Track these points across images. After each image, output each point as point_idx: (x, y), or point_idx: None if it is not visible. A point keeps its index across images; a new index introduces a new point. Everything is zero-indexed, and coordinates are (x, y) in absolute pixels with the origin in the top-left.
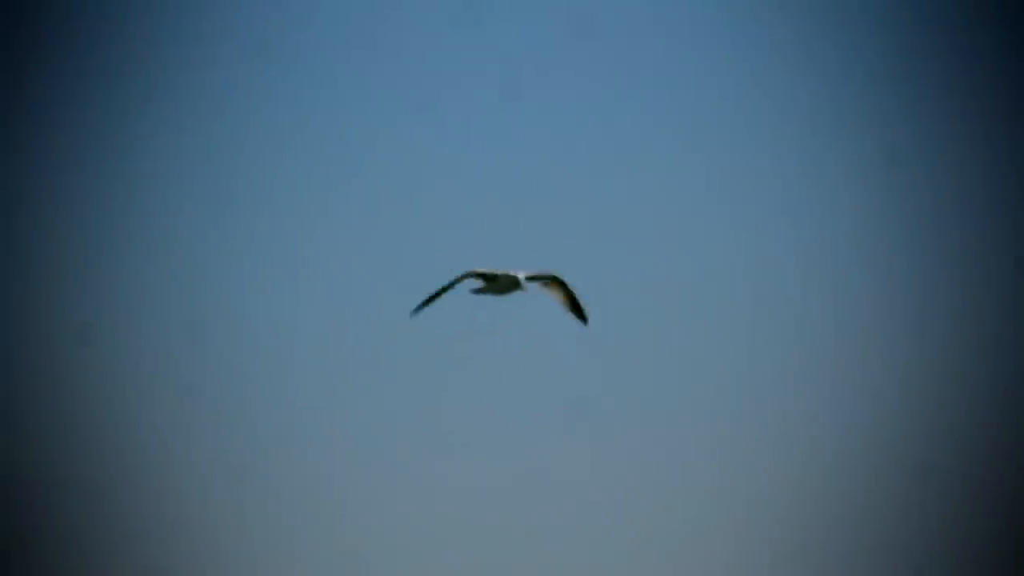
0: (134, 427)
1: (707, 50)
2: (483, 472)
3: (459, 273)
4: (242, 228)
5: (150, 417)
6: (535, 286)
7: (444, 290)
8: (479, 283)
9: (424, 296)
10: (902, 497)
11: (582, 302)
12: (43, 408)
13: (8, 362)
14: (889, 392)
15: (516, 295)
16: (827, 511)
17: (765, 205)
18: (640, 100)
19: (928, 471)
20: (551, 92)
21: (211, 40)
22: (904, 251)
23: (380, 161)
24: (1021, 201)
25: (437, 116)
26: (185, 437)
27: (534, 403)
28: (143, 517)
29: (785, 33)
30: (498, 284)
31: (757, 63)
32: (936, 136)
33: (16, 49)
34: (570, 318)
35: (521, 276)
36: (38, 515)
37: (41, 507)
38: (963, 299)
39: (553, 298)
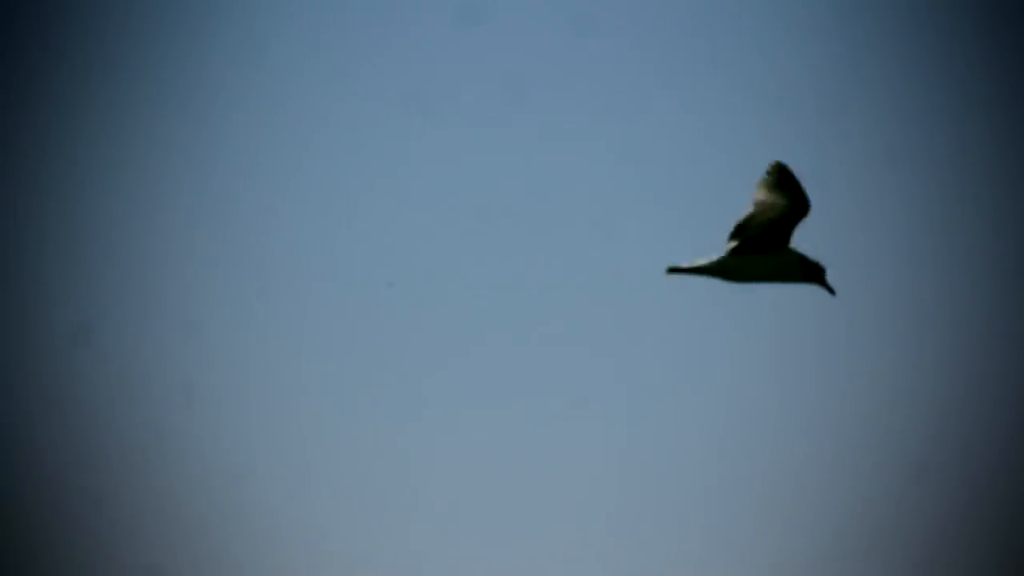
0: (131, 429)
1: (707, 49)
2: (486, 480)
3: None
4: (241, 228)
5: (147, 419)
6: None
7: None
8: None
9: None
10: (900, 497)
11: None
12: (39, 410)
13: (3, 364)
14: (889, 392)
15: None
16: (827, 510)
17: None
18: (641, 99)
19: (927, 471)
20: (553, 91)
21: (211, 39)
22: (904, 250)
23: (380, 160)
24: (1021, 200)
25: (438, 115)
26: (183, 438)
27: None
28: (140, 518)
29: (787, 31)
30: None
31: (758, 62)
32: (936, 136)
33: (15, 49)
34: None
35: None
36: (35, 517)
37: (38, 508)
38: (962, 299)
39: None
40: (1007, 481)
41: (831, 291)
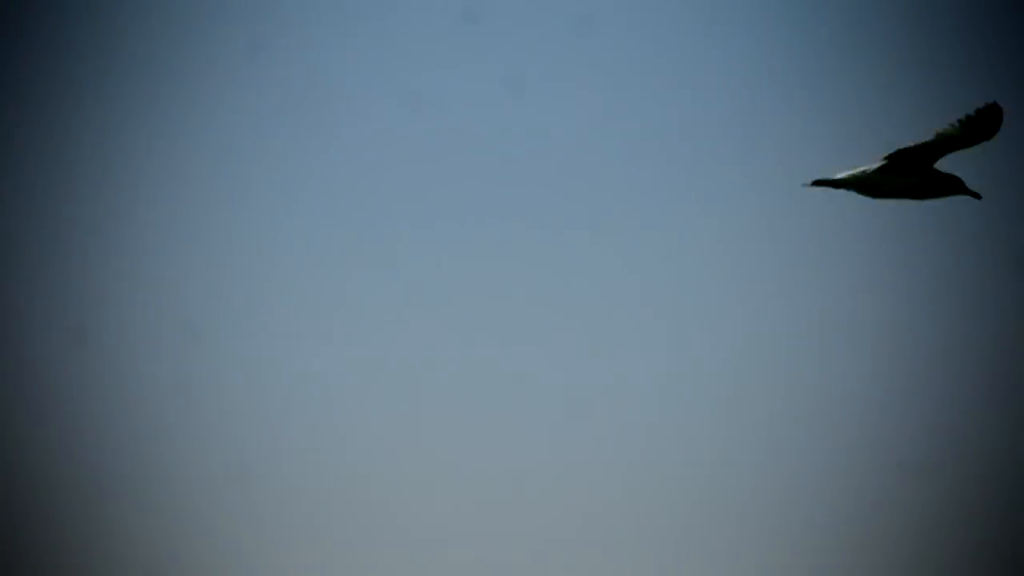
0: (131, 429)
1: (709, 48)
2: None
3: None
4: (241, 228)
5: (147, 419)
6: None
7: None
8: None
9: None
10: (899, 497)
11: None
12: (38, 410)
13: (3, 364)
14: (888, 392)
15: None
16: (825, 510)
17: (767, 203)
18: (642, 98)
19: (924, 471)
20: (554, 89)
21: (209, 38)
22: (904, 249)
23: (380, 160)
24: (1020, 199)
25: (438, 114)
26: (183, 438)
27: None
28: (141, 519)
29: (788, 31)
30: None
31: (759, 62)
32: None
33: (14, 50)
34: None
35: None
36: (35, 517)
37: (38, 509)
38: (962, 299)
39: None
40: (1007, 481)
41: (976, 196)
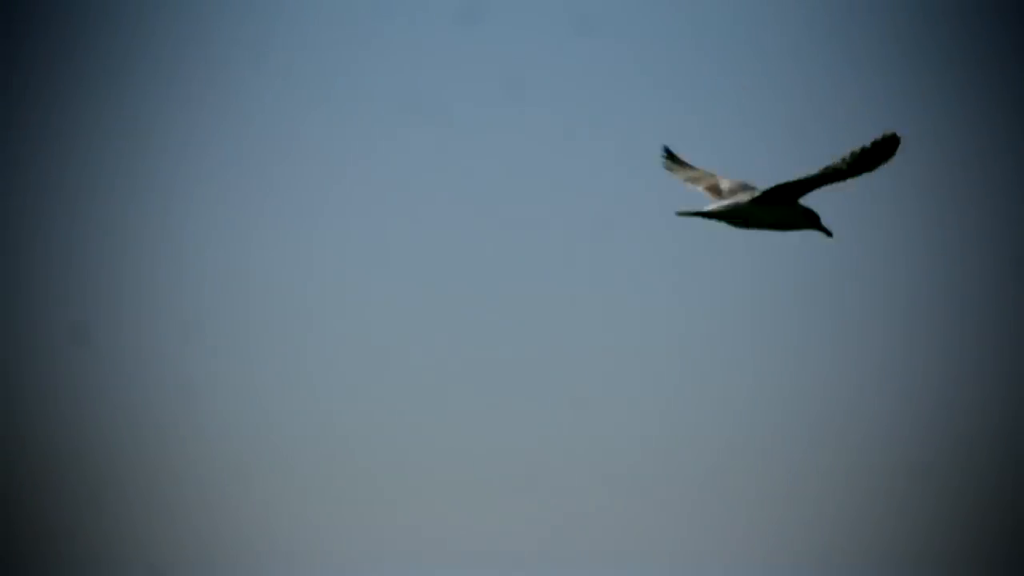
0: (131, 428)
1: (708, 49)
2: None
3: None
4: (241, 228)
5: (147, 418)
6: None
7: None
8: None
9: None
10: (902, 497)
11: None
12: (39, 409)
13: (3, 363)
14: (889, 391)
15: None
16: (828, 510)
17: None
18: (642, 97)
19: (928, 471)
20: (554, 89)
21: (209, 39)
22: (905, 247)
23: (381, 161)
24: (1021, 199)
25: (438, 114)
26: (183, 438)
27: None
28: (141, 518)
29: (787, 30)
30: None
31: (759, 60)
32: (938, 133)
33: (15, 51)
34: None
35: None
36: (35, 517)
37: (39, 509)
38: (963, 298)
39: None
40: (1007, 481)
41: (829, 234)
